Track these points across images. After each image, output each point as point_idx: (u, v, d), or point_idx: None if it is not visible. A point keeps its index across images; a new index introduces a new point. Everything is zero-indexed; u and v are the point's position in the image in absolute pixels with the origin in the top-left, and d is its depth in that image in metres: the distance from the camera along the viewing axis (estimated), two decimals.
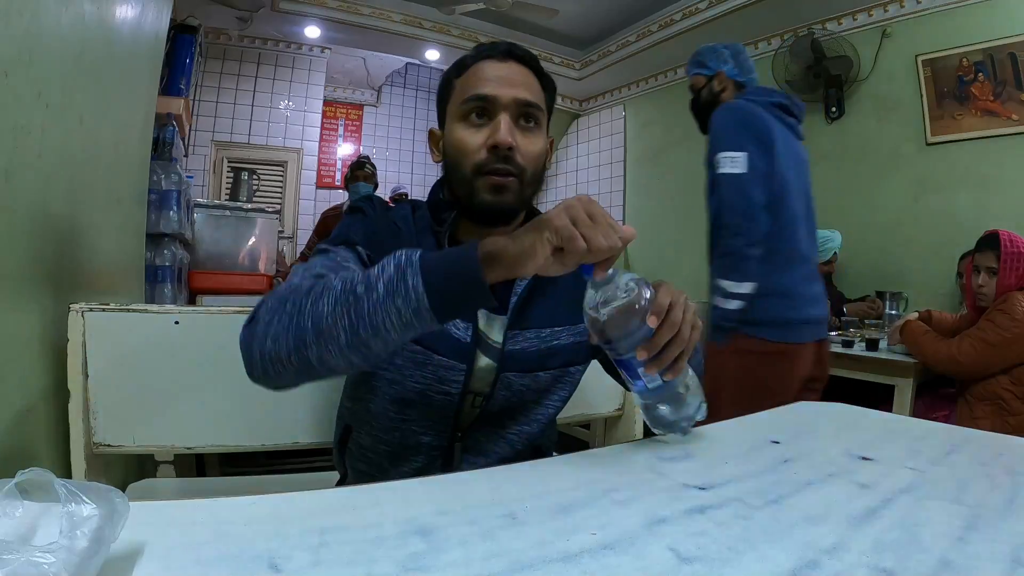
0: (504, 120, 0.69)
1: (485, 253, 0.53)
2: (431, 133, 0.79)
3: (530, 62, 0.73)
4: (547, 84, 0.75)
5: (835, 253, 2.73)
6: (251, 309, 0.61)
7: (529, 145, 0.71)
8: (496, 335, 0.73)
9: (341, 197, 4.21)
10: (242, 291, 2.61)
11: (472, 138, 0.70)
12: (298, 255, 3.35)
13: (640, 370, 0.60)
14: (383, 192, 4.02)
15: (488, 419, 0.74)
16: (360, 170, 3.04)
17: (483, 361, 0.72)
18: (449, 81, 0.75)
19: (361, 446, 0.77)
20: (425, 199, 0.79)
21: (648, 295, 0.58)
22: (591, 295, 0.59)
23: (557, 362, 0.76)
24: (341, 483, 0.81)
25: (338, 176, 4.95)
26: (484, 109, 0.70)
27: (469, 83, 0.71)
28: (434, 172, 5.79)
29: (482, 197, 0.69)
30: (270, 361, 0.56)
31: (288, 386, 0.60)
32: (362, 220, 0.73)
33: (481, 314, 0.72)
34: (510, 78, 0.70)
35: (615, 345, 0.60)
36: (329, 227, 3.07)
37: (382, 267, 0.54)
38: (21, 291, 0.75)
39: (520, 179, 0.70)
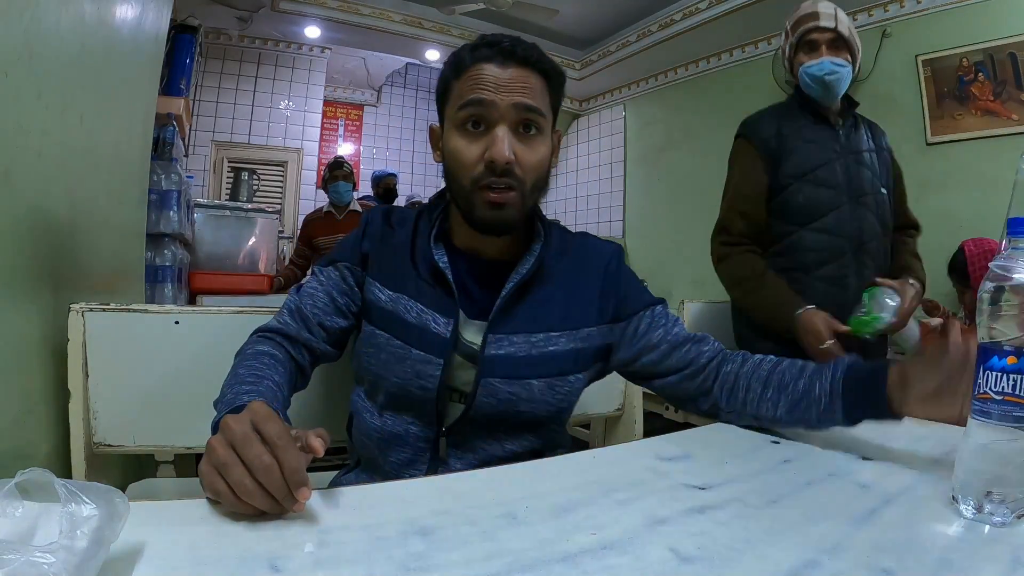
0: (501, 132, 0.66)
1: None
2: (431, 130, 0.76)
3: (534, 63, 0.68)
4: (553, 78, 0.71)
5: None
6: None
7: (529, 155, 0.68)
8: (472, 336, 0.71)
9: None
10: (242, 291, 2.61)
11: (468, 150, 0.67)
12: (287, 262, 3.22)
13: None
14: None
15: (475, 422, 0.71)
16: (339, 169, 2.97)
17: (460, 360, 0.71)
18: (447, 81, 0.71)
19: (360, 432, 0.77)
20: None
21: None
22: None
23: (551, 369, 0.71)
24: (354, 468, 0.80)
25: None
26: (481, 117, 0.66)
27: (466, 87, 0.67)
28: (434, 172, 5.79)
29: (481, 213, 0.68)
30: None
31: None
32: (355, 238, 0.78)
33: (460, 314, 0.71)
34: (509, 84, 0.66)
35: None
36: (309, 232, 3.02)
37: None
38: (21, 291, 0.75)
39: (521, 191, 0.68)
